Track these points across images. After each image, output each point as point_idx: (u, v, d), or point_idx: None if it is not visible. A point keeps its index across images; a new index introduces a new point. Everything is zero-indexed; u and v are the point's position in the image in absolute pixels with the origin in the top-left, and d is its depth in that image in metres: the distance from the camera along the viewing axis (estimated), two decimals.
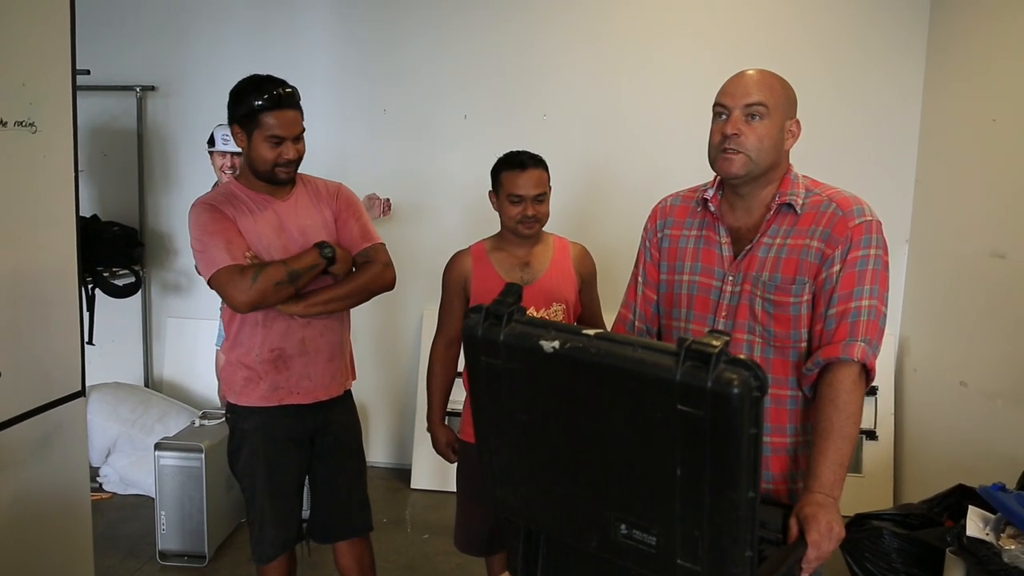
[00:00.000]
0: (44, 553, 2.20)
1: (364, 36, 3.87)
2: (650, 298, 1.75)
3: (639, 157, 3.73)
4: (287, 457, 2.16)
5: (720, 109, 1.57)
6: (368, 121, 3.91)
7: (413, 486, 3.83)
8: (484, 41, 3.79)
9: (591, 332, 1.11)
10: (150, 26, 3.99)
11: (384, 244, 2.22)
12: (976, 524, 2.19)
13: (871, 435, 3.56)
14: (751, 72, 1.57)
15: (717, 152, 1.57)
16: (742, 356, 0.99)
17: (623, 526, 1.14)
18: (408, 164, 3.89)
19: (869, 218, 1.52)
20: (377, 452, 4.07)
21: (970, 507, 2.26)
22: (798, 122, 1.59)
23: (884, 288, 1.52)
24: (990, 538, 2.14)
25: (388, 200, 3.60)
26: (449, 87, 3.83)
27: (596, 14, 3.71)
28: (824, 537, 1.34)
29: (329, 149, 3.87)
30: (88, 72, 3.57)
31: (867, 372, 1.49)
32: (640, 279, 1.78)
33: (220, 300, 2.08)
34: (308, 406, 2.14)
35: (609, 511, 1.15)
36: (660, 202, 1.79)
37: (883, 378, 3.60)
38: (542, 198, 2.19)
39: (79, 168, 3.49)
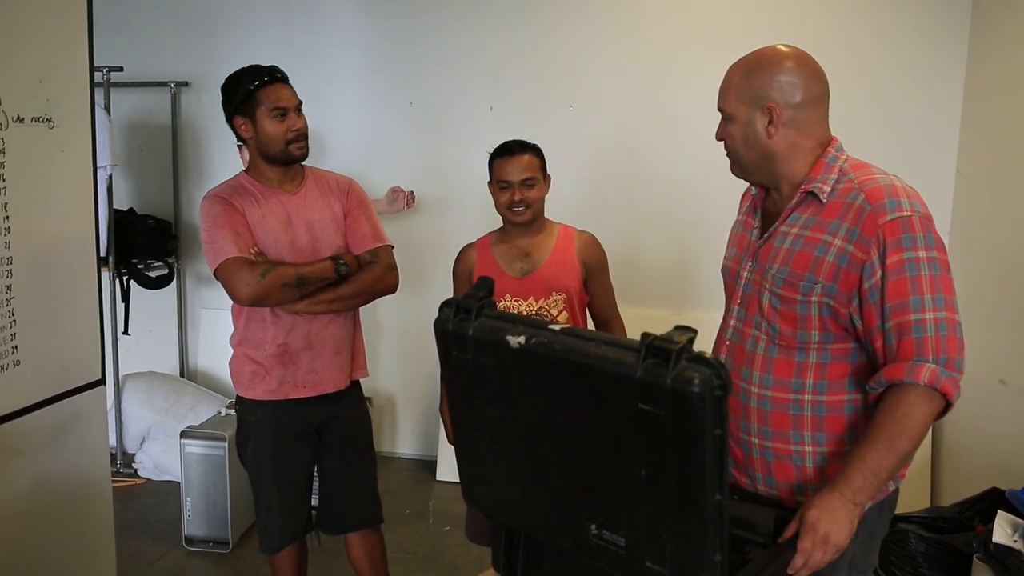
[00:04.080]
0: (65, 539, 2.25)
1: (391, 29, 3.87)
2: None
3: (666, 148, 3.64)
4: (294, 449, 2.17)
5: None
6: (394, 114, 3.91)
7: (439, 478, 3.83)
8: (510, 33, 3.75)
9: (557, 327, 1.08)
10: (183, 23, 4.05)
11: (392, 247, 2.21)
12: (1004, 530, 2.10)
13: None
14: (726, 72, 1.54)
15: None
16: (707, 354, 0.95)
17: (593, 527, 1.11)
18: (434, 156, 3.88)
19: (907, 213, 1.32)
20: (404, 443, 4.10)
21: (999, 512, 2.17)
22: (771, 107, 1.43)
23: (950, 293, 1.32)
24: (1018, 545, 2.05)
25: (412, 192, 3.60)
26: (475, 79, 3.81)
27: (623, 5, 3.64)
28: (817, 547, 1.26)
29: (355, 141, 3.90)
30: (121, 69, 3.66)
31: (942, 395, 1.29)
32: None
33: None
34: (314, 399, 2.15)
35: (580, 511, 1.12)
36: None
37: None
38: (531, 182, 2.16)
39: (113, 163, 3.59)
